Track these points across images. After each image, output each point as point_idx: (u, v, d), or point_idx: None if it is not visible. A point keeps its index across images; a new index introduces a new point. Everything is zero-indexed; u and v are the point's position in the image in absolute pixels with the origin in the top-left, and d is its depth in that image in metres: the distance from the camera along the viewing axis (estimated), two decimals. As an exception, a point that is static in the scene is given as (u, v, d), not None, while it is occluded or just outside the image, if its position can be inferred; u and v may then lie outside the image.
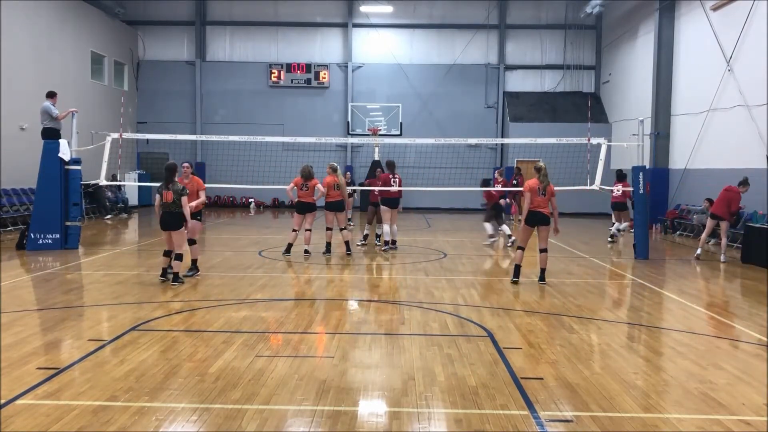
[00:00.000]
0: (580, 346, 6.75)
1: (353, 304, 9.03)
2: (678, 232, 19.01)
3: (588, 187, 15.19)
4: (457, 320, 7.84)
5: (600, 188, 14.88)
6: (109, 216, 21.57)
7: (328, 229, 13.44)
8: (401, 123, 26.48)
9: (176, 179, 9.74)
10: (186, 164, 11.10)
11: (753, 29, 16.36)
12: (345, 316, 8.21)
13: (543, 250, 10.33)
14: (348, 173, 19.86)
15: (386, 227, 14.16)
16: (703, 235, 13.98)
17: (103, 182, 15.36)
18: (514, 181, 21.74)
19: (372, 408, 5.00)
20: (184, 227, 9.73)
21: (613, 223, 17.17)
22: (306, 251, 13.00)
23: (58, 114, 13.80)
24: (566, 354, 6.42)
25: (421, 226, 20.92)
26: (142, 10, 28.24)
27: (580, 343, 6.91)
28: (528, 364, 6.12)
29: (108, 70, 25.91)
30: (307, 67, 28.48)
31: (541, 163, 10.52)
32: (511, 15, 28.60)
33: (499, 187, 18.91)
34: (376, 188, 14.51)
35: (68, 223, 13.60)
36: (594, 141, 15.53)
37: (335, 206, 13.26)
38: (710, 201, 16.49)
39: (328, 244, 13.37)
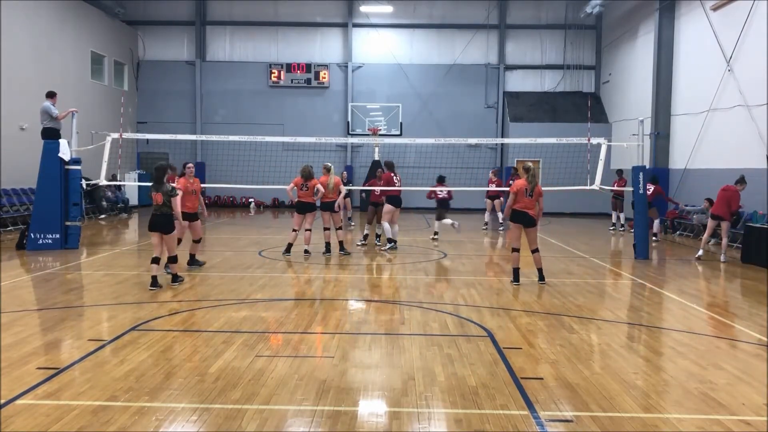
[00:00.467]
0: (580, 346, 6.75)
1: (353, 304, 9.03)
2: (678, 232, 19.01)
3: (588, 187, 15.19)
4: (457, 320, 7.84)
5: (600, 188, 14.88)
6: (102, 216, 21.56)
7: (325, 229, 13.47)
8: (401, 123, 26.48)
9: (165, 180, 9.55)
10: (190, 165, 11.40)
11: (753, 29, 16.36)
12: (345, 316, 8.21)
13: (535, 251, 10.33)
14: (345, 173, 19.85)
15: (386, 226, 14.18)
16: (705, 236, 13.95)
17: (103, 182, 15.37)
18: (511, 182, 21.76)
19: (372, 408, 5.00)
20: (174, 229, 9.52)
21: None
22: (306, 251, 13.02)
23: (58, 114, 13.80)
24: (566, 354, 6.42)
25: (421, 226, 20.92)
26: (142, 10, 28.25)
27: (580, 343, 6.91)
28: (528, 364, 6.12)
29: (108, 70, 25.92)
30: (307, 67, 28.48)
31: (530, 164, 10.50)
32: (511, 15, 28.60)
33: (493, 187, 18.97)
34: (378, 188, 14.50)
35: (68, 223, 13.60)
36: (594, 141, 15.53)
37: (330, 206, 13.31)
38: (710, 201, 16.49)
39: (328, 244, 13.39)
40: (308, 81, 28.52)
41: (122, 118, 18.88)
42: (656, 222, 17.16)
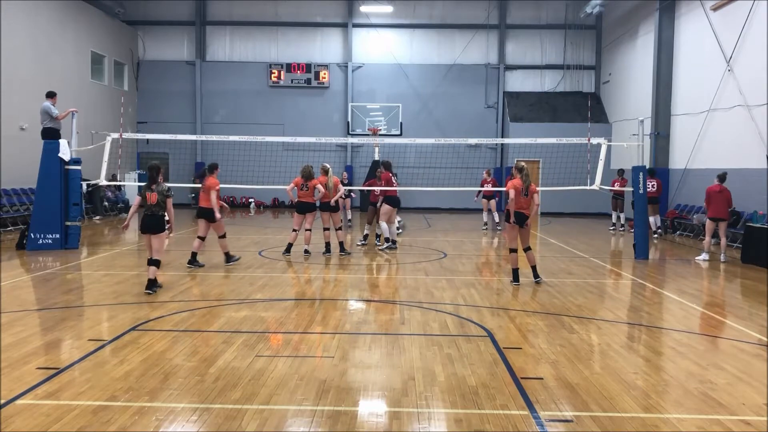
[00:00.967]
0: (580, 346, 6.75)
1: (353, 304, 9.03)
2: (678, 232, 19.01)
3: (588, 187, 15.19)
4: (457, 320, 7.84)
5: (600, 188, 14.88)
6: (98, 216, 21.55)
7: (325, 229, 13.48)
8: (401, 123, 26.48)
9: (160, 179, 9.35)
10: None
11: (753, 29, 16.36)
12: (345, 316, 8.21)
13: (527, 249, 10.33)
14: (345, 173, 19.84)
15: (384, 225, 14.20)
16: (707, 239, 13.83)
17: (103, 182, 15.37)
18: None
19: (372, 408, 5.00)
20: (166, 231, 9.32)
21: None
22: (306, 251, 13.03)
23: (58, 114, 13.80)
24: (566, 354, 6.42)
25: (421, 226, 20.92)
26: (142, 10, 28.25)
27: (580, 343, 6.91)
28: (528, 364, 6.12)
29: (108, 70, 25.92)
30: (307, 67, 28.48)
31: (523, 163, 10.51)
32: (511, 15, 28.60)
33: (488, 187, 18.92)
34: (378, 188, 14.51)
35: (68, 223, 13.60)
36: (594, 141, 15.53)
37: (330, 206, 13.32)
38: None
39: (328, 245, 13.40)
40: (308, 81, 28.52)
41: (122, 118, 18.87)
42: (654, 219, 17.23)
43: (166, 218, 9.39)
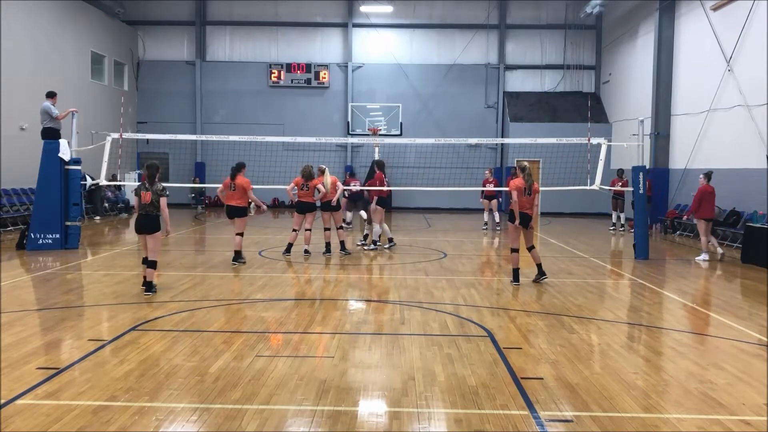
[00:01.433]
0: (580, 346, 6.75)
1: (353, 304, 9.03)
2: (678, 232, 19.00)
3: (588, 187, 15.19)
4: (457, 320, 7.84)
5: (600, 188, 14.88)
6: (99, 217, 21.54)
7: (326, 229, 13.48)
8: (401, 123, 26.48)
9: (157, 179, 9.19)
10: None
11: (753, 29, 16.36)
12: (345, 316, 8.21)
13: (531, 248, 10.32)
14: (347, 173, 19.85)
15: (377, 227, 14.21)
16: (704, 239, 13.82)
17: (103, 182, 15.37)
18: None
19: (372, 408, 5.00)
20: (161, 231, 9.21)
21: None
22: (306, 251, 13.03)
23: (58, 114, 13.80)
24: (566, 354, 6.42)
25: (421, 226, 20.92)
26: (142, 10, 28.25)
27: (580, 343, 6.90)
28: (528, 364, 6.12)
29: (108, 70, 25.92)
30: (307, 67, 28.48)
31: (525, 163, 10.48)
32: (511, 15, 28.60)
33: (490, 187, 18.94)
34: (375, 188, 14.51)
35: (68, 223, 13.60)
36: (594, 141, 15.53)
37: (330, 206, 13.32)
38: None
39: (328, 245, 13.41)
40: (308, 81, 28.52)
41: (122, 118, 18.86)
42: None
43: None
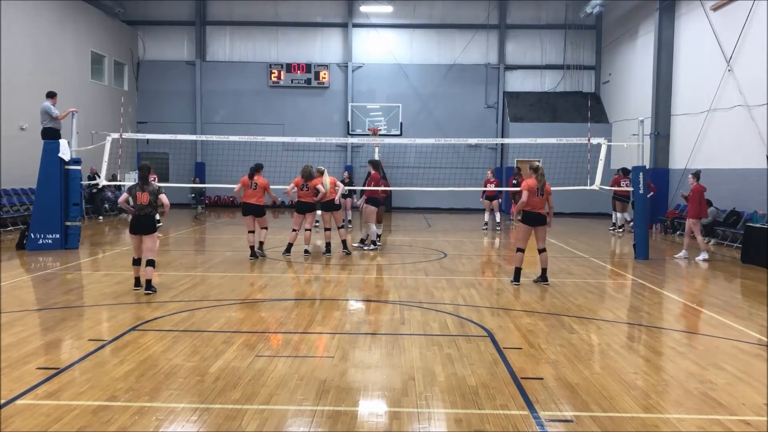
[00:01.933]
0: (580, 346, 6.75)
1: (353, 304, 9.03)
2: (678, 232, 18.99)
3: (588, 187, 15.19)
4: (457, 320, 7.84)
5: (600, 188, 14.89)
6: (101, 217, 21.54)
7: (326, 229, 13.48)
8: (401, 123, 26.47)
9: (150, 180, 9.36)
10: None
11: (753, 29, 16.36)
12: (345, 316, 8.21)
13: (542, 250, 10.31)
14: (346, 173, 19.85)
15: (374, 227, 14.22)
16: (700, 238, 13.84)
17: (103, 182, 15.37)
18: (514, 181, 21.75)
19: (372, 408, 5.00)
20: (156, 230, 9.29)
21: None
22: (306, 251, 13.03)
23: (58, 114, 13.79)
24: (566, 354, 6.42)
25: (421, 226, 20.92)
26: (142, 10, 28.25)
27: (580, 343, 6.90)
28: (528, 364, 6.12)
29: (108, 70, 25.92)
30: (307, 67, 28.48)
31: (538, 163, 10.45)
32: (511, 15, 28.60)
33: (491, 187, 18.94)
34: (373, 188, 14.49)
35: (68, 223, 13.59)
36: (594, 141, 15.53)
37: (330, 206, 13.32)
38: (708, 202, 16.48)
39: (328, 245, 13.40)
40: (308, 81, 28.52)
41: (122, 118, 18.86)
42: (622, 215, 18.64)
43: (157, 217, 9.40)
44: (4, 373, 5.55)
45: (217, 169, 26.10)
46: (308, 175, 12.99)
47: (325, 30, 28.94)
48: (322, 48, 28.95)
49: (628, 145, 16.58)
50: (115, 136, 14.97)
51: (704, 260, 13.38)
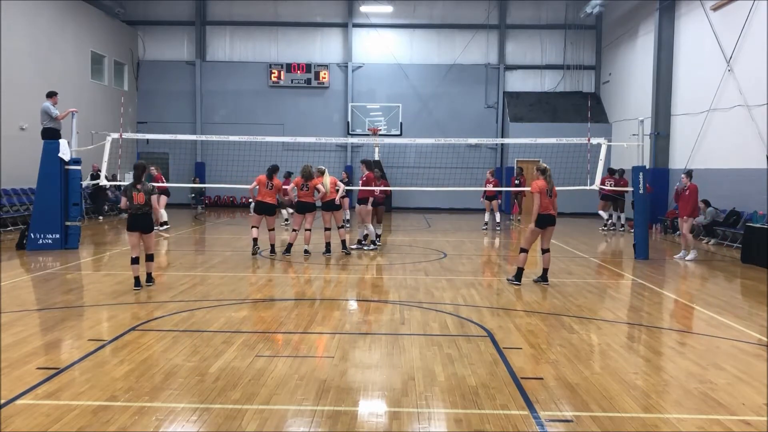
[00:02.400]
0: (580, 346, 6.75)
1: (353, 304, 9.03)
2: (678, 233, 18.98)
3: (588, 187, 15.20)
4: (457, 320, 7.84)
5: (600, 188, 14.89)
6: (101, 217, 21.54)
7: (326, 229, 13.47)
8: (401, 123, 26.49)
9: (145, 179, 9.51)
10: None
11: (753, 29, 16.36)
12: (345, 316, 8.21)
13: (546, 251, 10.30)
14: (345, 173, 19.86)
15: (371, 227, 14.22)
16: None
17: (103, 182, 15.37)
18: (516, 182, 21.76)
19: (372, 408, 5.00)
20: (153, 228, 9.55)
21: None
22: (306, 251, 13.03)
23: (58, 114, 13.79)
24: (566, 354, 6.42)
25: (421, 226, 20.92)
26: (142, 10, 28.26)
27: (580, 343, 6.90)
28: (528, 364, 6.12)
29: (108, 70, 25.92)
30: (307, 67, 28.48)
31: (545, 164, 10.43)
32: (511, 15, 28.60)
33: (490, 187, 18.94)
34: (372, 188, 14.48)
35: (68, 223, 13.60)
36: (594, 141, 15.54)
37: (330, 206, 13.33)
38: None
39: (328, 245, 13.39)
40: (308, 81, 28.53)
41: (122, 118, 18.87)
42: (607, 213, 19.47)
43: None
44: (4, 373, 5.55)
45: (217, 169, 26.13)
46: (308, 175, 12.99)
47: (325, 30, 28.95)
48: (322, 48, 28.96)
49: (627, 145, 16.59)
50: (115, 136, 14.97)
51: (693, 260, 13.37)
